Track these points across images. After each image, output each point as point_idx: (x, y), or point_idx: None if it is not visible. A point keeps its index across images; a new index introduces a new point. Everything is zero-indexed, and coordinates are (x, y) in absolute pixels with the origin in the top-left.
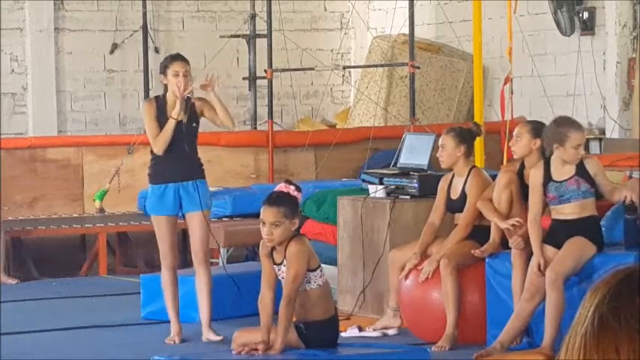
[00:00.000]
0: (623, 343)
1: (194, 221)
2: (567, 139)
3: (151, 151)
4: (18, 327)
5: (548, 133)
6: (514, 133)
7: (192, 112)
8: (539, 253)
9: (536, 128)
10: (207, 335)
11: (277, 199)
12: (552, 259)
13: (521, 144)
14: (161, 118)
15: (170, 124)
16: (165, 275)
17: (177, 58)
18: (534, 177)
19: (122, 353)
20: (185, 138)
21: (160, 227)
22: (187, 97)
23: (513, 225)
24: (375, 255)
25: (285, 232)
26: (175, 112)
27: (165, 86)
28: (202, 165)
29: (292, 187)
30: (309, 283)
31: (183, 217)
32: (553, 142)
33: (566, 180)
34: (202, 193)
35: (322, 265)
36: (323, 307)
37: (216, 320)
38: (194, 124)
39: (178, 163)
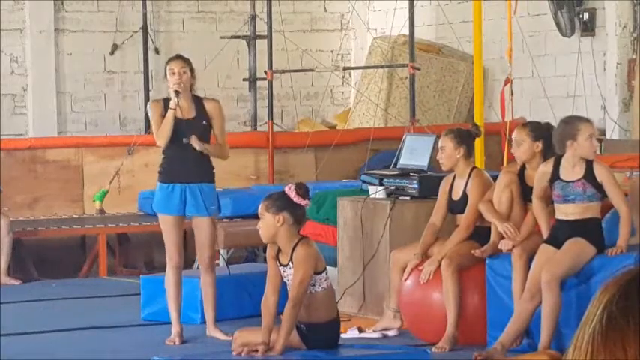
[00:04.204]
0: (631, 342)
1: (199, 226)
2: (579, 132)
3: (163, 150)
4: (18, 328)
5: (559, 134)
6: (514, 138)
7: (201, 109)
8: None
9: (536, 131)
10: (212, 333)
11: (266, 196)
12: (552, 258)
13: (523, 149)
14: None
15: (169, 115)
16: (169, 274)
17: (174, 57)
18: (541, 172)
19: (122, 354)
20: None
21: (166, 226)
22: (176, 90)
23: (506, 231)
24: (375, 256)
25: (268, 226)
26: (172, 103)
27: None
28: (213, 167)
29: (290, 187)
30: (315, 285)
31: (190, 217)
32: (566, 140)
33: (573, 181)
34: (207, 198)
35: None
36: (326, 309)
37: (218, 321)
38: (204, 122)
39: (186, 163)
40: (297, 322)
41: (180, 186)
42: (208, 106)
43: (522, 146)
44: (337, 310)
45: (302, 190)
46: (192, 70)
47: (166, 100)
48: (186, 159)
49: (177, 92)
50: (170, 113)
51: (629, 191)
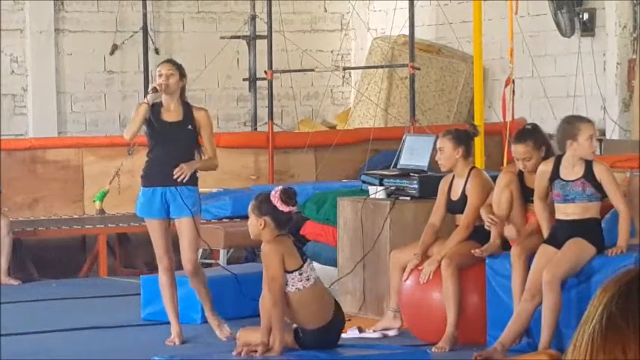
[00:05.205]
0: (631, 342)
1: (180, 229)
2: (579, 132)
3: (147, 153)
4: (18, 328)
5: (560, 133)
6: (519, 155)
7: (189, 115)
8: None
9: (538, 141)
10: (211, 322)
11: (255, 195)
12: (552, 259)
13: (533, 161)
14: (154, 120)
15: (140, 108)
16: (162, 277)
17: (164, 61)
18: (540, 171)
19: (122, 354)
20: (177, 140)
21: (153, 230)
22: (154, 87)
23: (491, 221)
24: (375, 256)
25: (252, 227)
26: (145, 98)
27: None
28: (196, 171)
29: (276, 192)
30: (287, 285)
31: (174, 219)
32: (566, 140)
33: (572, 180)
34: (188, 200)
35: (323, 266)
36: (310, 313)
37: None
38: (189, 127)
39: (168, 166)
40: (296, 326)
41: (160, 189)
42: (197, 114)
43: (532, 159)
44: (332, 314)
45: (286, 195)
46: (182, 75)
47: (153, 105)
48: (169, 162)
49: (154, 89)
50: (142, 107)
51: (627, 192)
